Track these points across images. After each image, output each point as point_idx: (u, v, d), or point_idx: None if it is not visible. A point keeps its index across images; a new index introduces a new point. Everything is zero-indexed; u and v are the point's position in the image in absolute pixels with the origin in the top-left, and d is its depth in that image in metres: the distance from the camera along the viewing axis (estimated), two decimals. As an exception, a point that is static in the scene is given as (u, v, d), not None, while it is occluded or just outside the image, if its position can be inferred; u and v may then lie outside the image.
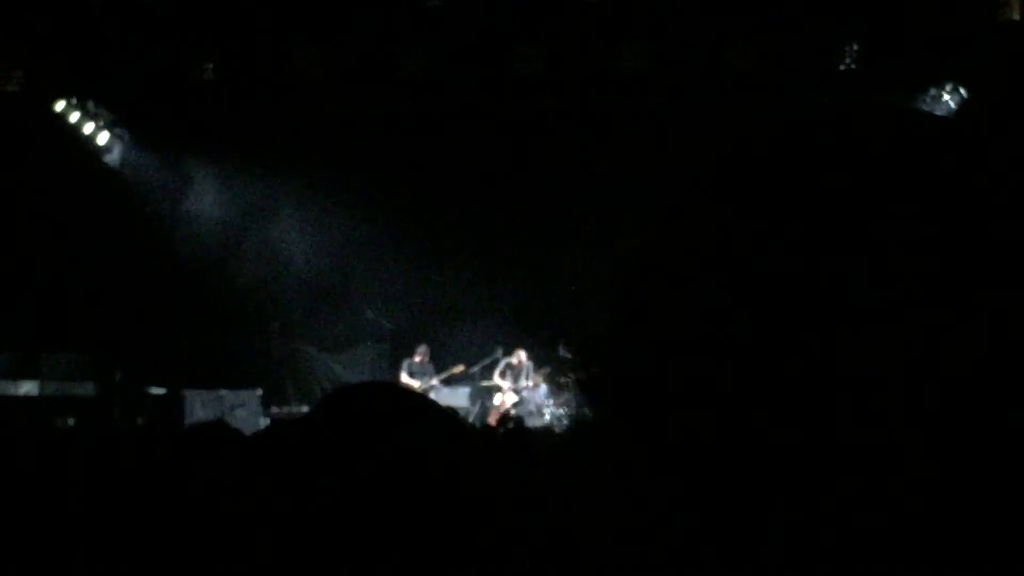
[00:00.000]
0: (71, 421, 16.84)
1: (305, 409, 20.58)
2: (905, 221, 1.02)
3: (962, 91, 18.23)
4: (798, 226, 1.05)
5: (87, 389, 19.59)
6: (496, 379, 20.55)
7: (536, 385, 20.22)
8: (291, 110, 20.12)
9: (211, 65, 19.40)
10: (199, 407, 18.77)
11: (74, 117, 19.79)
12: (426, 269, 21.42)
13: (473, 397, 20.84)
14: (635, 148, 18.41)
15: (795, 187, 1.08)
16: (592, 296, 18.62)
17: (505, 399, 20.17)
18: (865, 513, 0.99)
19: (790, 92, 17.87)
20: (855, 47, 18.21)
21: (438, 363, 20.65)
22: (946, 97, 18.38)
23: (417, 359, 20.59)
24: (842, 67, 18.27)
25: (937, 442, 0.98)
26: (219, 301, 21.20)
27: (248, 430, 7.08)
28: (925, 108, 15.85)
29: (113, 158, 21.03)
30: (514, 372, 20.44)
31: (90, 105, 20.01)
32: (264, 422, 19.02)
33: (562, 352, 19.68)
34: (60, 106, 19.52)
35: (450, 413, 2.02)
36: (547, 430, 15.42)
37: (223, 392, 19.39)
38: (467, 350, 21.09)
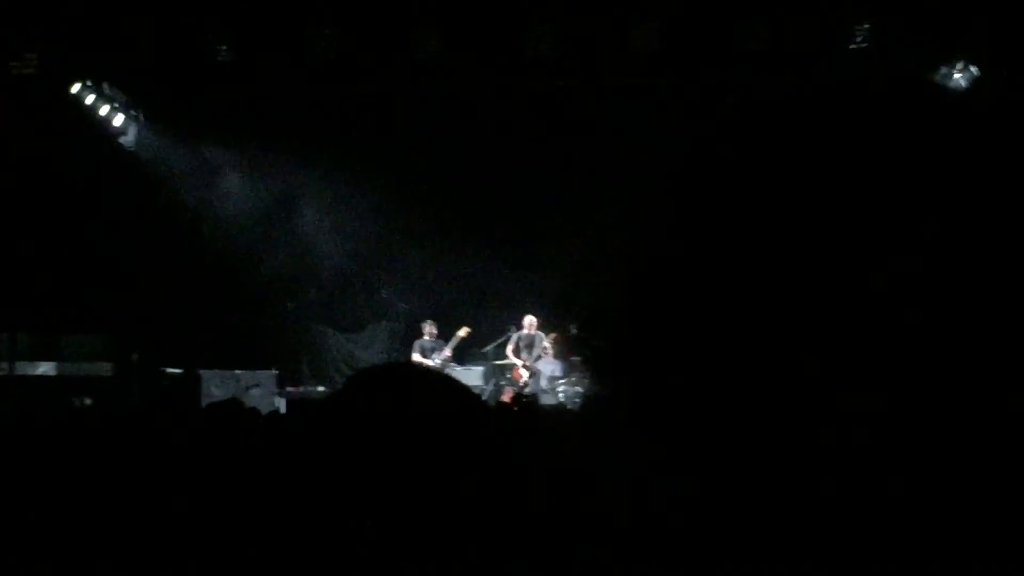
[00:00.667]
0: (88, 401, 16.87)
1: (321, 389, 20.62)
2: (915, 202, 1.02)
3: (973, 69, 18.14)
4: (808, 203, 1.05)
5: (104, 369, 19.64)
6: (509, 354, 20.50)
7: (548, 354, 20.14)
8: (306, 91, 20.11)
9: (226, 47, 19.39)
10: (215, 387, 18.79)
11: (89, 99, 19.79)
12: (440, 249, 21.39)
13: (487, 376, 20.80)
14: (645, 128, 18.35)
15: (805, 163, 1.08)
16: (603, 276, 18.55)
17: (521, 373, 20.12)
18: (862, 506, 0.99)
19: (800, 71, 17.79)
20: (865, 25, 18.14)
21: (447, 337, 20.56)
22: (957, 76, 18.29)
23: (426, 336, 20.53)
24: (852, 46, 18.20)
25: (943, 438, 0.99)
26: (235, 282, 21.20)
27: (264, 410, 7.15)
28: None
29: (128, 140, 21.03)
30: (526, 341, 20.36)
31: (105, 87, 20.01)
32: (279, 402, 19.03)
33: (574, 331, 19.64)
34: (75, 88, 19.52)
35: (475, 393, 2.02)
36: (559, 408, 15.39)
37: (239, 372, 19.40)
38: (481, 329, 21.08)
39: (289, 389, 20.22)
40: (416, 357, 20.09)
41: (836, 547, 1.00)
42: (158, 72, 19.56)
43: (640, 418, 1.15)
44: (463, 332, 20.36)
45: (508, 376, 20.42)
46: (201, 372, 19.24)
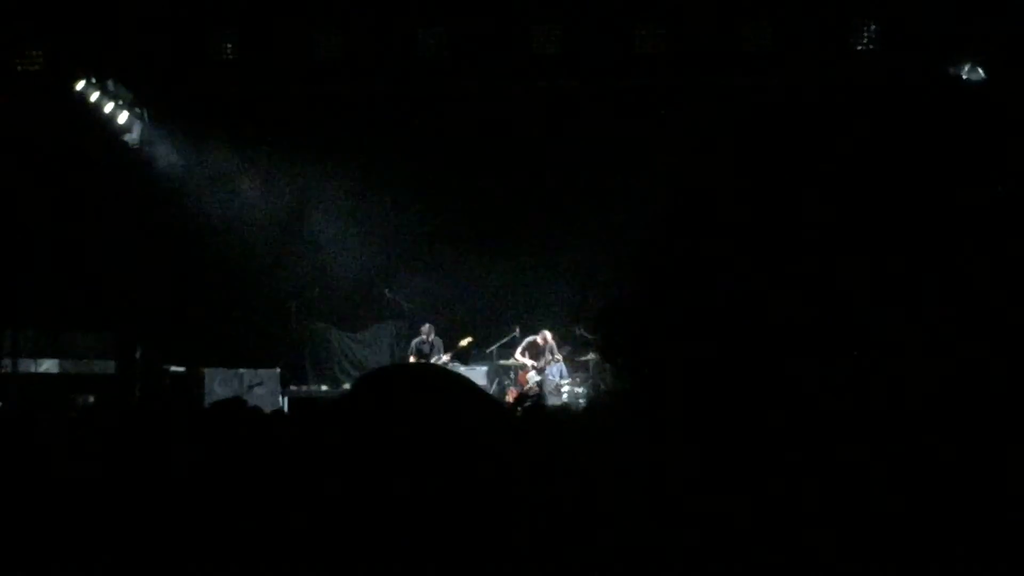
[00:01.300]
0: (91, 398, 16.90)
1: (324, 388, 20.69)
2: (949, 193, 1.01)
3: (980, 71, 18.14)
4: (820, 197, 1.05)
5: (107, 367, 19.68)
6: (518, 357, 20.54)
7: (556, 361, 20.22)
8: (310, 90, 20.13)
9: (231, 44, 19.42)
10: (218, 385, 18.83)
11: (94, 96, 19.80)
12: (443, 248, 21.44)
13: (491, 376, 20.84)
14: (651, 128, 18.38)
15: (816, 158, 1.09)
16: (608, 276, 18.64)
17: (528, 377, 20.16)
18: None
19: (807, 72, 17.81)
20: (872, 26, 18.15)
21: (449, 346, 20.63)
22: (964, 77, 18.29)
23: (424, 336, 20.58)
24: (859, 47, 18.22)
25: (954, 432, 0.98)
26: (238, 281, 21.25)
27: (267, 408, 7.13)
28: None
29: (133, 137, 21.05)
30: (538, 351, 20.43)
31: (110, 84, 20.02)
32: (282, 401, 19.09)
33: (579, 332, 19.70)
34: (80, 85, 19.53)
35: (485, 392, 2.01)
36: (564, 408, 15.41)
37: (242, 371, 19.45)
38: (485, 329, 21.14)
39: (292, 387, 20.28)
40: (412, 359, 20.14)
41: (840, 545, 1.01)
42: (163, 69, 19.58)
43: (657, 408, 1.15)
44: (465, 343, 20.41)
45: (512, 377, 20.45)
46: (204, 370, 19.26)
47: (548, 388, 19.74)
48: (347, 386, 21.21)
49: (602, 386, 17.93)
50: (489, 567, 1.70)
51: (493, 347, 20.98)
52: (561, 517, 1.66)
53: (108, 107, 20.13)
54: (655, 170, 16.47)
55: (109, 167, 20.27)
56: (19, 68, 18.96)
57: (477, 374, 20.45)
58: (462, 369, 20.15)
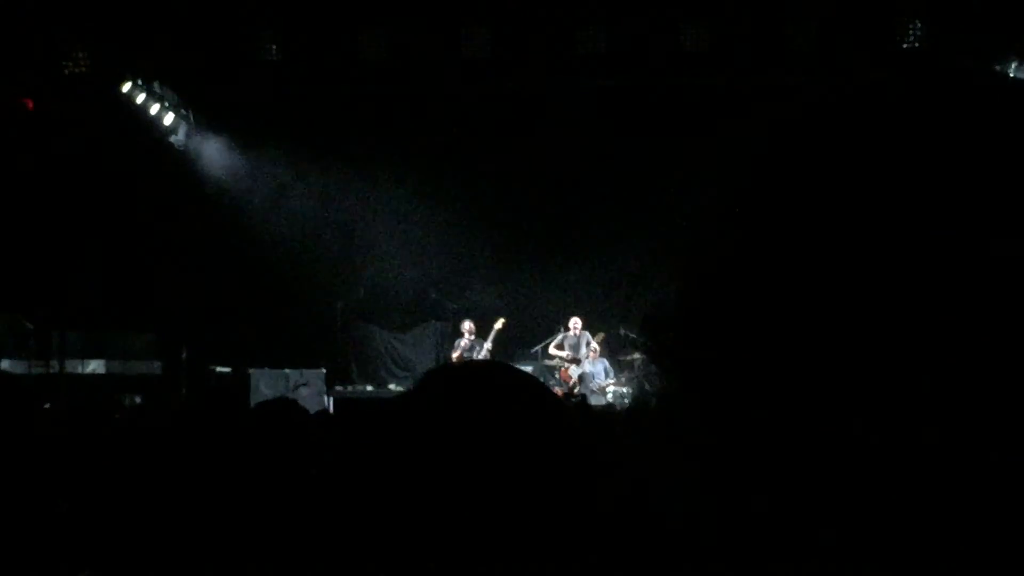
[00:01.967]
0: (138, 399, 16.99)
1: (369, 388, 20.71)
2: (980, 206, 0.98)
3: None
4: (871, 202, 1.02)
5: (153, 368, 19.78)
6: (553, 350, 20.50)
7: (596, 356, 20.13)
8: (355, 91, 20.19)
9: (275, 46, 19.50)
10: (263, 386, 18.89)
11: (140, 98, 19.90)
12: (489, 249, 21.46)
13: (536, 375, 20.77)
14: (696, 128, 18.33)
15: (869, 158, 1.05)
16: (652, 276, 18.60)
17: (570, 373, 20.12)
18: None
19: (852, 71, 17.73)
20: (918, 24, 18.05)
21: (485, 333, 20.50)
22: (1012, 74, 18.15)
23: (465, 335, 20.46)
24: (905, 45, 18.12)
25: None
26: (284, 281, 21.32)
27: (312, 409, 7.14)
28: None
29: (179, 139, 21.17)
30: (570, 341, 20.36)
31: (156, 86, 20.13)
32: (328, 401, 19.13)
33: (623, 332, 19.64)
34: (126, 87, 19.64)
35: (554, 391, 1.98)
36: (609, 407, 15.38)
37: (287, 371, 19.50)
38: (531, 330, 21.13)
39: (338, 388, 20.33)
40: (456, 356, 20.11)
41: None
42: (208, 71, 19.68)
43: (706, 413, 1.13)
44: (499, 324, 20.30)
45: (556, 376, 20.41)
46: (250, 371, 19.33)
47: (593, 388, 19.67)
48: (392, 386, 21.26)
49: (647, 386, 17.91)
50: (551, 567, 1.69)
51: (538, 347, 20.95)
52: (608, 518, 1.64)
53: (154, 109, 20.25)
54: (705, 170, 16.41)
55: (156, 169, 20.38)
56: (66, 71, 19.08)
57: (523, 375, 20.37)
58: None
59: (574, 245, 21.37)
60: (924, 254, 0.99)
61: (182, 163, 21.23)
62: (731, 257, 1.14)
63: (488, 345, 20.11)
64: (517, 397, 1.80)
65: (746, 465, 1.06)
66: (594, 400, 18.64)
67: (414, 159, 20.93)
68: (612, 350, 20.38)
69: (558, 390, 19.72)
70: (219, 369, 19.82)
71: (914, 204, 1.01)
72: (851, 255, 1.02)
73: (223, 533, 4.08)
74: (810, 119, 1.17)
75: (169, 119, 20.65)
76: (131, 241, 19.81)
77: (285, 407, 5.11)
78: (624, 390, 19.45)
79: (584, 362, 20.16)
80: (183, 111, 21.00)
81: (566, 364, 20.28)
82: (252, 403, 16.39)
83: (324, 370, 20.06)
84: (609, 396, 19.46)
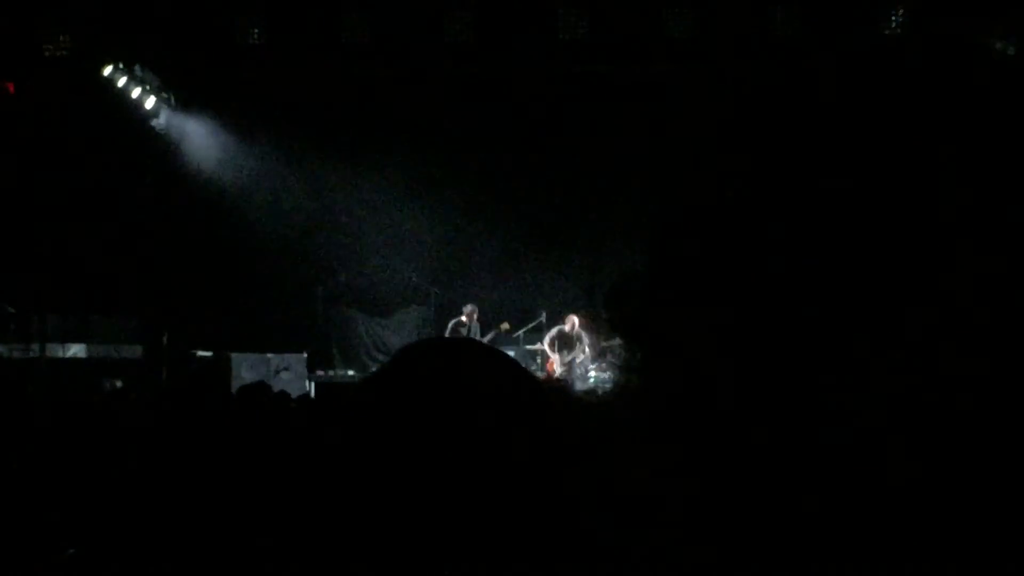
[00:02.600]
0: (119, 383, 16.95)
1: (351, 373, 20.69)
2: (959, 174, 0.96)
3: (1011, 51, 18.03)
4: (842, 166, 1.00)
5: (134, 352, 19.73)
6: (546, 347, 20.41)
7: (586, 353, 20.09)
8: (338, 74, 20.14)
9: (257, 29, 19.45)
10: (244, 370, 18.85)
11: (121, 81, 19.84)
12: (470, 232, 21.46)
13: (517, 360, 20.73)
14: (676, 111, 18.33)
15: (838, 125, 1.03)
16: (623, 254, 18.65)
17: (555, 368, 20.06)
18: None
19: (834, 57, 17.72)
20: (900, 11, 18.08)
21: (483, 325, 20.55)
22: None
23: (464, 319, 20.42)
24: (887, 31, 18.14)
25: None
26: (265, 266, 21.29)
27: (294, 393, 7.15)
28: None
29: (160, 122, 21.11)
30: (567, 340, 20.24)
31: (137, 69, 20.06)
32: (309, 385, 19.12)
33: (605, 315, 19.63)
34: (107, 70, 19.57)
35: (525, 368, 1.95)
36: (591, 392, 15.38)
37: (269, 356, 19.46)
38: (511, 313, 21.12)
39: (319, 372, 20.31)
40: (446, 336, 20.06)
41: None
42: (189, 54, 19.62)
43: (670, 387, 1.10)
44: (503, 327, 20.30)
45: (540, 362, 20.38)
46: (231, 355, 19.29)
47: (575, 374, 19.65)
48: (374, 371, 21.20)
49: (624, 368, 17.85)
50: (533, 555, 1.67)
51: (520, 332, 20.93)
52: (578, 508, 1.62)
53: (135, 92, 20.18)
54: (672, 153, 16.39)
55: (137, 152, 20.33)
56: (47, 54, 19.01)
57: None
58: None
59: (562, 232, 21.37)
60: (900, 241, 0.97)
61: (164, 147, 21.17)
62: (699, 219, 1.12)
63: (486, 337, 20.11)
64: (488, 375, 1.78)
65: (716, 442, 1.04)
66: (578, 385, 18.65)
67: (397, 144, 20.90)
68: (595, 334, 20.35)
69: (540, 375, 19.70)
70: (200, 353, 19.77)
71: (890, 186, 0.99)
72: (825, 238, 1.00)
73: (204, 515, 4.08)
74: (780, 104, 1.14)
75: (150, 103, 20.58)
76: (112, 225, 19.74)
77: (264, 391, 5.12)
78: (606, 375, 19.44)
79: (578, 356, 20.10)
80: (164, 94, 20.94)
81: (552, 357, 20.20)
82: (233, 387, 16.38)
83: (305, 355, 20.03)
84: (591, 381, 19.45)
